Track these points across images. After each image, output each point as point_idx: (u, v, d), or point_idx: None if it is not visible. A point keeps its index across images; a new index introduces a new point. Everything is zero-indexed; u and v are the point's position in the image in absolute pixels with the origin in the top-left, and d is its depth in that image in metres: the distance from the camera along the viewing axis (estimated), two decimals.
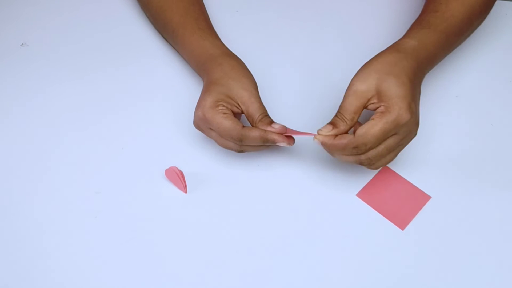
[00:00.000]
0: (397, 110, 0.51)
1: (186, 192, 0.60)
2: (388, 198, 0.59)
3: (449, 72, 0.70)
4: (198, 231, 0.57)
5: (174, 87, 0.70)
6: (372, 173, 0.61)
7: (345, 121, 0.53)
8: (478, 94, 0.68)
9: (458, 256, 0.54)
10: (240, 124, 0.55)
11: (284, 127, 0.55)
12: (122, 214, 0.58)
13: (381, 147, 0.52)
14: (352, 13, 0.78)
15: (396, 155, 0.55)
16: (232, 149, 0.58)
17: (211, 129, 0.57)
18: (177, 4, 0.68)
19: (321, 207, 0.58)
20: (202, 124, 0.58)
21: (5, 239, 0.57)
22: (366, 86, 0.53)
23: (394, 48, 0.57)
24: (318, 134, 0.53)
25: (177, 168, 0.58)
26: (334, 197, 0.59)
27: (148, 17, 0.75)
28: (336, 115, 0.54)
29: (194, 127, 0.60)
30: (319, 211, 0.58)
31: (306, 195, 0.59)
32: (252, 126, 0.56)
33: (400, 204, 0.58)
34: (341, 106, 0.54)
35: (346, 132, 0.53)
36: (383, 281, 0.53)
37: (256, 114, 0.56)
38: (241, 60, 0.62)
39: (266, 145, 0.57)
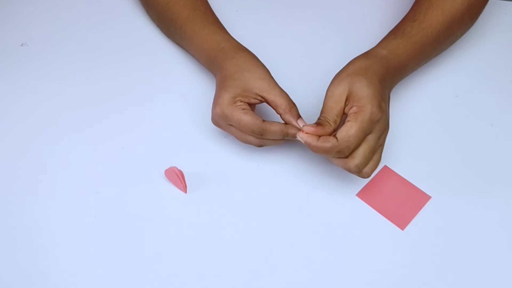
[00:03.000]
0: (370, 108, 0.52)
1: (186, 192, 0.60)
2: (388, 198, 0.59)
3: (448, 72, 0.70)
4: (198, 231, 0.57)
5: (174, 87, 0.70)
6: (372, 173, 0.61)
7: (329, 123, 0.54)
8: (478, 94, 0.68)
9: (458, 256, 0.55)
10: (260, 119, 0.55)
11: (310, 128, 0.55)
12: (122, 214, 0.58)
13: (366, 149, 0.53)
14: (352, 13, 0.78)
15: (380, 156, 0.56)
16: (252, 144, 0.58)
17: (230, 125, 0.57)
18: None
19: (321, 207, 0.58)
20: (221, 121, 0.58)
21: (5, 239, 0.57)
22: (340, 90, 0.55)
23: (365, 55, 0.59)
24: (304, 131, 0.54)
25: (177, 168, 0.58)
26: (334, 197, 0.59)
27: (151, 14, 0.75)
28: (320, 118, 0.55)
29: (212, 124, 0.60)
30: (319, 211, 0.58)
31: (306, 195, 0.59)
32: (278, 112, 0.57)
33: (400, 204, 0.58)
34: (322, 111, 0.55)
35: (330, 134, 0.54)
36: (383, 281, 0.53)
37: (281, 101, 0.56)
38: (252, 53, 0.62)
39: (286, 139, 0.57)
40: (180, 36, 0.69)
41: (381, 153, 0.56)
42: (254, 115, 0.56)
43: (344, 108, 0.54)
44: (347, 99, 0.54)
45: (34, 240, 0.57)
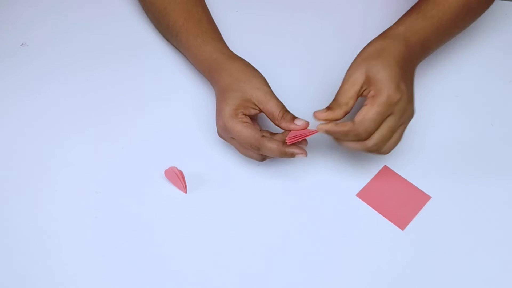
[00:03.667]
0: (386, 91, 0.53)
1: (186, 192, 0.60)
2: (388, 198, 0.59)
3: (448, 72, 0.70)
4: (198, 231, 0.57)
5: (174, 87, 0.70)
6: (372, 173, 0.61)
7: (340, 106, 0.54)
8: (478, 94, 0.68)
9: (458, 256, 0.55)
10: (260, 133, 0.56)
11: (307, 122, 0.56)
12: (122, 214, 0.58)
13: (384, 130, 0.54)
14: (352, 13, 0.78)
15: (401, 135, 0.56)
16: (253, 158, 0.59)
17: (232, 138, 0.58)
18: (180, 6, 0.68)
19: (321, 207, 0.58)
20: (224, 133, 0.59)
21: (5, 239, 0.57)
22: (358, 74, 0.55)
23: (382, 35, 0.59)
24: (315, 116, 0.55)
25: (177, 168, 0.58)
26: (334, 197, 0.59)
27: (150, 18, 0.75)
28: (332, 102, 0.55)
29: (215, 128, 0.60)
30: (319, 211, 0.58)
31: (306, 195, 0.59)
32: (274, 123, 0.57)
33: (400, 204, 0.58)
34: (337, 93, 0.56)
35: (342, 117, 0.55)
36: (383, 281, 0.53)
37: (276, 111, 0.56)
38: (246, 61, 0.62)
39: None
40: (176, 43, 0.70)
41: (402, 131, 0.56)
42: (253, 128, 0.56)
43: (359, 92, 0.55)
44: (365, 83, 0.54)
45: (35, 240, 0.57)
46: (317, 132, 0.55)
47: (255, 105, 0.57)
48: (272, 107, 0.56)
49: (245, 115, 0.57)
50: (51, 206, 0.59)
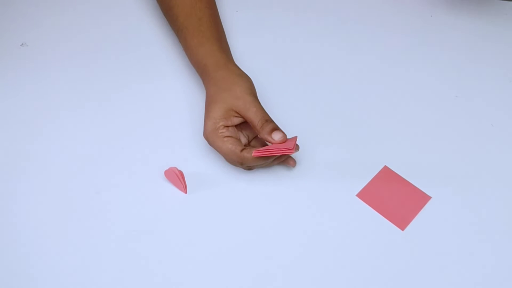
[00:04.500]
0: None
1: (186, 192, 0.60)
2: (388, 198, 0.59)
3: (448, 72, 0.70)
4: (197, 231, 0.57)
5: (174, 88, 0.70)
6: (372, 173, 0.61)
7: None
8: (478, 94, 0.68)
9: (458, 256, 0.55)
10: (239, 147, 0.55)
11: (285, 136, 0.55)
12: (122, 215, 0.58)
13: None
14: (352, 13, 0.78)
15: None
16: (240, 167, 0.59)
17: None
18: (184, 1, 0.66)
19: (321, 207, 0.58)
20: (210, 145, 0.59)
21: (4, 239, 0.57)
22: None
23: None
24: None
25: (177, 169, 0.58)
26: (334, 197, 0.59)
27: (160, 8, 0.74)
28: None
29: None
30: (319, 211, 0.58)
31: (306, 195, 0.59)
32: (255, 131, 0.57)
33: (400, 204, 0.58)
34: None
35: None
36: (383, 281, 0.53)
37: (255, 120, 0.56)
38: (234, 68, 0.61)
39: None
40: (178, 38, 0.69)
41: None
42: (234, 143, 0.56)
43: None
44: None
45: (34, 240, 0.57)
46: (291, 152, 0.53)
47: (237, 113, 0.57)
48: (251, 116, 0.56)
49: (227, 127, 0.57)
50: (51, 206, 0.59)
